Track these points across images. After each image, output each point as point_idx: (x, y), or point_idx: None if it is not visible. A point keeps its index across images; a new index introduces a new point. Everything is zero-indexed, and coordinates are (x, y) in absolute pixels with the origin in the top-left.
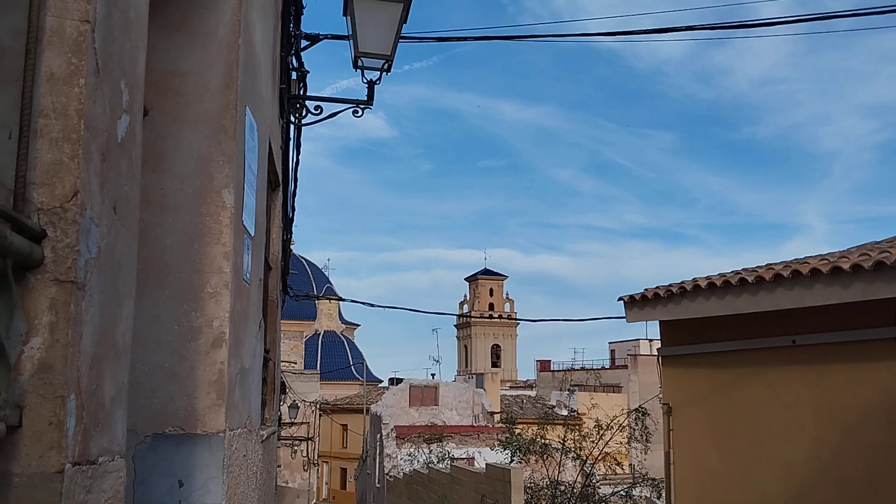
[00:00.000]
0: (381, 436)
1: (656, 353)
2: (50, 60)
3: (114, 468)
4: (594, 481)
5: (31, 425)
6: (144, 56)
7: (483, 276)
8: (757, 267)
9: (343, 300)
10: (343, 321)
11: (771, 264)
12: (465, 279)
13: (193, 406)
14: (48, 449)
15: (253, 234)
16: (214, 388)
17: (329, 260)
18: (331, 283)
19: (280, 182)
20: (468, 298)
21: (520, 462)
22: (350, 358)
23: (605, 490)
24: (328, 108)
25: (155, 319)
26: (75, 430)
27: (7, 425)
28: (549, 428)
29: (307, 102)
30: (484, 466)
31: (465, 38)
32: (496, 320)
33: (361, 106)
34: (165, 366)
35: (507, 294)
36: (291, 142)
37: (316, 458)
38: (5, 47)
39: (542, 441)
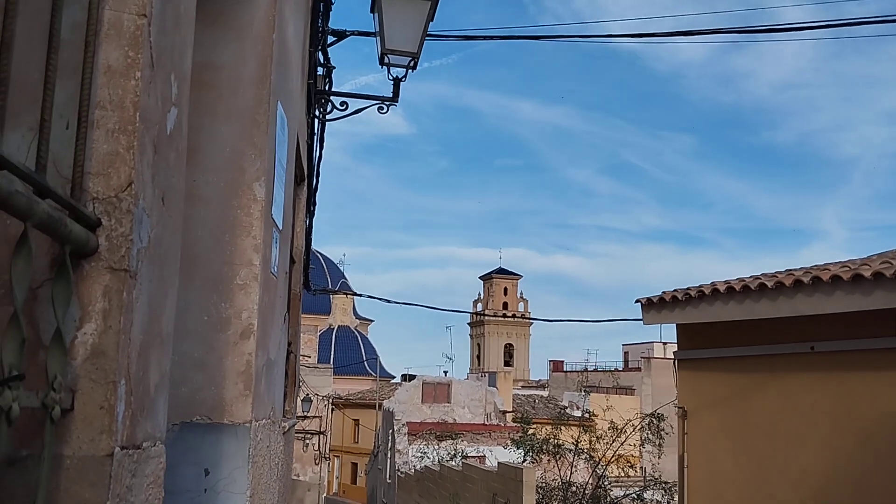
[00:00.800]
0: (392, 431)
1: (672, 357)
2: (108, 53)
3: (156, 453)
4: (606, 483)
5: (83, 409)
6: (191, 50)
7: (498, 275)
8: (776, 272)
9: (359, 295)
10: (357, 316)
11: (790, 270)
12: (480, 278)
13: (221, 396)
14: (99, 433)
15: (281, 228)
16: (242, 378)
17: (344, 255)
18: (346, 279)
19: (305, 176)
20: (482, 297)
21: (532, 462)
22: (363, 353)
23: (616, 492)
24: (353, 104)
25: (185, 310)
26: (124, 415)
27: (61, 408)
28: (561, 428)
29: (333, 98)
30: (495, 465)
31: (490, 38)
32: (510, 319)
33: (387, 103)
34: (194, 356)
35: (521, 293)
36: (316, 136)
37: (327, 452)
38: (65, 40)
39: (556, 441)
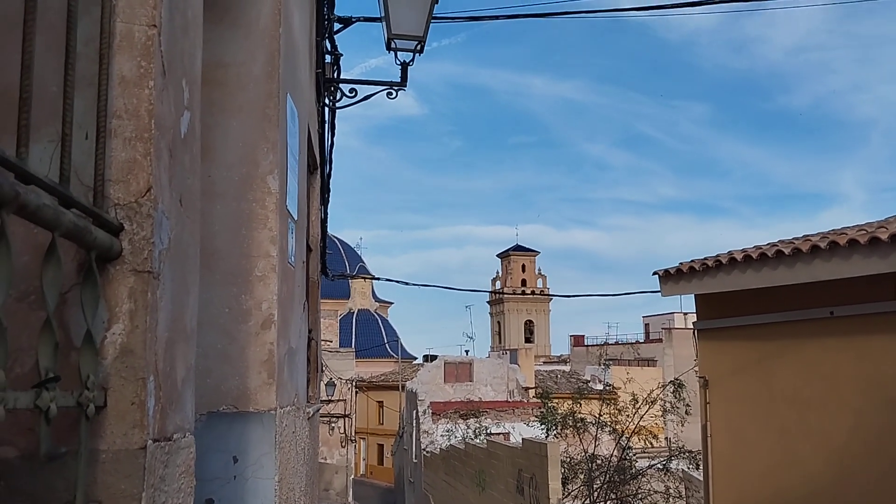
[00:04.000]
0: (417, 412)
1: (692, 327)
2: (121, 64)
3: (186, 444)
4: (631, 454)
5: (116, 406)
6: (201, 54)
7: (515, 252)
8: (793, 238)
9: (377, 279)
10: (376, 299)
11: (808, 235)
12: (498, 255)
13: (245, 385)
14: (131, 427)
15: (296, 218)
16: (265, 367)
17: (361, 239)
18: (364, 262)
19: (318, 165)
20: (500, 275)
21: (556, 436)
22: (384, 335)
23: (641, 463)
24: (362, 90)
25: (207, 303)
26: (154, 410)
27: (95, 406)
28: (583, 402)
29: (342, 85)
30: (519, 441)
31: (497, 17)
32: (529, 296)
33: (395, 87)
34: (218, 347)
35: (539, 270)
36: (326, 124)
37: (353, 434)
38: (79, 53)
39: (578, 415)
